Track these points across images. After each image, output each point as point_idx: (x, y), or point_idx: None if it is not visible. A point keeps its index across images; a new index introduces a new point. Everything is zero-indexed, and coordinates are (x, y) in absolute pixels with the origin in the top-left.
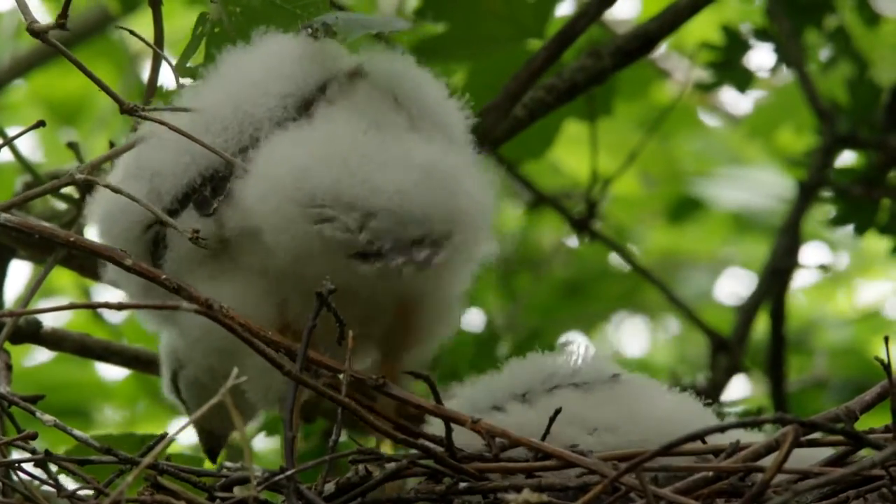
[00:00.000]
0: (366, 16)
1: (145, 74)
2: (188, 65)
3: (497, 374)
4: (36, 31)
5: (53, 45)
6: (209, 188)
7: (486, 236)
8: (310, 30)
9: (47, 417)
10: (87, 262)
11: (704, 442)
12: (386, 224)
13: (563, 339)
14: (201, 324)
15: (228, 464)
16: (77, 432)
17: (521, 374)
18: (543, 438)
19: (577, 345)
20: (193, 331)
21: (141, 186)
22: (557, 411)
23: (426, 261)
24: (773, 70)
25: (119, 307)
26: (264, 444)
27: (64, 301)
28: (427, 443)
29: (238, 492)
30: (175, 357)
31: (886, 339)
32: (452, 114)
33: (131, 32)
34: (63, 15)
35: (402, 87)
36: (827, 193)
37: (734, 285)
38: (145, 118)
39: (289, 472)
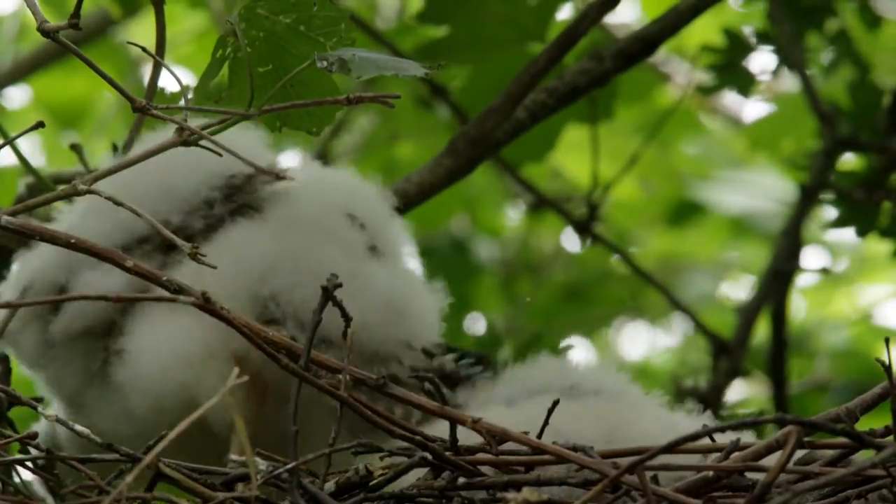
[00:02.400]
0: (382, 56)
1: (146, 77)
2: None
3: (500, 379)
4: (47, 31)
5: (65, 44)
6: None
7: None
8: (324, 62)
9: (49, 412)
10: None
11: (713, 440)
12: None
13: (564, 342)
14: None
15: (233, 456)
16: (79, 427)
17: (516, 382)
18: (540, 435)
19: (575, 356)
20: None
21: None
22: (556, 403)
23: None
24: (775, 73)
25: (117, 300)
26: None
27: None
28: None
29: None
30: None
31: (887, 341)
32: (398, 232)
33: (133, 44)
34: (75, 15)
35: (353, 203)
36: (828, 196)
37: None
38: (156, 117)
39: (290, 465)
